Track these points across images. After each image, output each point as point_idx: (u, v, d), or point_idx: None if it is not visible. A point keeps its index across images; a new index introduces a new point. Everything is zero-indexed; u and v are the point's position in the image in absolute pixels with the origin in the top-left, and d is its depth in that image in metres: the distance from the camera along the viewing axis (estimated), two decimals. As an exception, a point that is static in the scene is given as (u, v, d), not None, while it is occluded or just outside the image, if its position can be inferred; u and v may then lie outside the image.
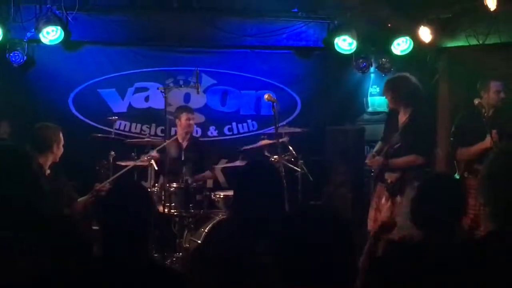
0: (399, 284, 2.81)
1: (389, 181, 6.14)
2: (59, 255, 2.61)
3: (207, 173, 7.74)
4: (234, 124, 8.92)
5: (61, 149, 5.68)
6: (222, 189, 7.74)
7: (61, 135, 5.69)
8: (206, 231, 6.71)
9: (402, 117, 6.29)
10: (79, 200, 5.65)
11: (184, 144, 7.66)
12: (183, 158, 7.42)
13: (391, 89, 6.41)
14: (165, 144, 6.83)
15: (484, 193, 2.60)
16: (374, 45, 8.66)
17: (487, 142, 6.03)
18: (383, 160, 6.15)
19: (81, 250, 2.75)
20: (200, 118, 8.64)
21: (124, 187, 3.16)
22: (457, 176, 6.22)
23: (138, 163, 6.89)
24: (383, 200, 6.23)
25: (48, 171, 5.55)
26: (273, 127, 6.70)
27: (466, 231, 3.21)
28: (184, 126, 7.62)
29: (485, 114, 6.13)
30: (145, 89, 8.67)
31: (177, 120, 7.67)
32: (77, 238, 2.76)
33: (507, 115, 6.26)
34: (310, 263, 2.14)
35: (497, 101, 6.32)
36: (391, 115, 6.50)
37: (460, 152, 6.36)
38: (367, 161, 6.49)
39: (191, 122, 7.67)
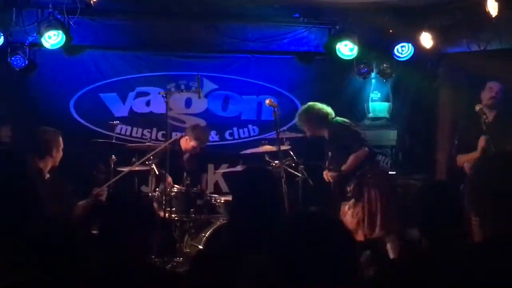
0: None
1: (348, 189, 6.68)
2: (52, 261, 2.60)
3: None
4: (235, 129, 8.92)
5: (61, 153, 5.67)
6: (223, 194, 7.73)
7: (60, 139, 5.69)
8: (206, 236, 6.71)
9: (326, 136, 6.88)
10: (78, 204, 5.64)
11: (185, 156, 7.63)
12: (183, 163, 7.42)
13: (304, 121, 6.97)
14: (160, 148, 6.78)
15: (470, 203, 2.58)
16: (376, 51, 8.67)
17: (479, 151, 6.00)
18: (338, 172, 6.72)
19: (76, 255, 2.74)
20: (201, 122, 8.65)
21: (125, 193, 3.18)
22: None
23: (136, 168, 6.87)
24: (346, 208, 6.75)
25: (47, 175, 5.55)
26: (274, 132, 6.71)
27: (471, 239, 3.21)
28: (185, 146, 7.54)
29: (486, 120, 6.09)
30: (146, 93, 8.67)
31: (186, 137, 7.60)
32: (73, 243, 2.75)
33: (506, 120, 6.18)
34: (311, 269, 2.14)
35: (491, 100, 6.20)
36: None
37: (458, 160, 6.34)
38: (328, 175, 6.93)
39: (193, 144, 7.51)
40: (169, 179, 7.00)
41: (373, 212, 6.52)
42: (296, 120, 7.11)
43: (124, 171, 6.71)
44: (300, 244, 2.17)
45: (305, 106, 7.06)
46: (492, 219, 2.39)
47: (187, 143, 7.49)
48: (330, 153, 6.84)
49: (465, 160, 6.14)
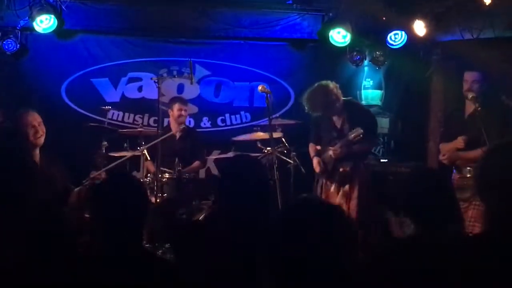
0: (395, 280, 2.82)
1: (341, 170, 6.51)
2: (42, 243, 2.59)
3: (196, 163, 7.68)
4: (227, 115, 8.91)
5: (43, 128, 5.61)
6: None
7: (34, 114, 5.64)
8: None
9: (337, 121, 6.63)
10: (74, 190, 5.61)
11: (177, 135, 7.64)
12: (175, 149, 7.41)
13: (308, 102, 6.61)
14: (158, 141, 6.75)
15: (478, 192, 2.58)
16: (368, 38, 8.66)
17: (458, 142, 5.95)
18: (346, 149, 6.39)
19: (65, 238, 2.73)
20: (193, 109, 8.63)
21: (117, 178, 3.16)
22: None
23: (132, 154, 6.85)
24: (332, 189, 6.63)
25: (38, 156, 5.53)
26: (267, 119, 6.69)
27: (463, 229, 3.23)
28: (176, 117, 7.60)
29: (478, 108, 6.02)
30: (138, 79, 8.66)
31: (169, 111, 7.65)
32: (61, 225, 2.74)
33: (490, 110, 6.07)
34: (305, 256, 2.13)
35: (468, 91, 5.97)
36: (322, 117, 6.69)
37: (441, 148, 6.30)
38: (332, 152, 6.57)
39: (183, 112, 7.64)
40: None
41: (352, 198, 6.50)
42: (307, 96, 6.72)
43: (115, 156, 6.70)
44: (294, 232, 2.17)
45: (318, 85, 6.82)
46: (499, 209, 2.39)
47: (173, 114, 7.62)
48: (335, 133, 6.57)
49: (446, 150, 6.10)
